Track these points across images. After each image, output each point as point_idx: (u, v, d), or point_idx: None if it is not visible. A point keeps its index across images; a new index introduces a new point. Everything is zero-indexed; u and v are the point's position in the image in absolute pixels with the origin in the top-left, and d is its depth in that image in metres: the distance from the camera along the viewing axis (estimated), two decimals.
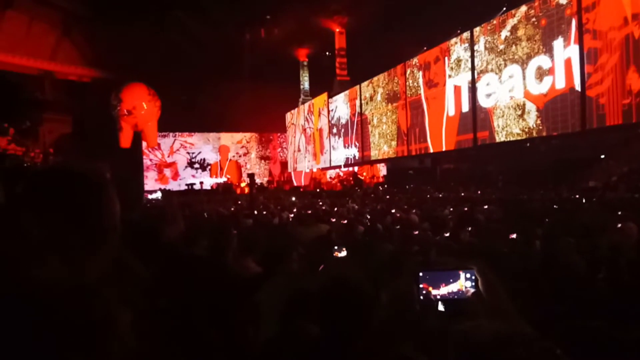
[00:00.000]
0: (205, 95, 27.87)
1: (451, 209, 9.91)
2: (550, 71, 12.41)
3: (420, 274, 1.29)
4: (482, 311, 1.14)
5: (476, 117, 15.27)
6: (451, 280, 1.27)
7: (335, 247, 3.98)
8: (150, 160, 29.00)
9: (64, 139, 22.83)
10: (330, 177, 26.53)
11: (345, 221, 7.50)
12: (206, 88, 27.62)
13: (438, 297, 1.27)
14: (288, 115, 31.88)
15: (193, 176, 29.52)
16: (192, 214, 9.05)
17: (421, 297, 1.27)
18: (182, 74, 25.64)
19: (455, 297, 1.27)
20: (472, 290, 1.25)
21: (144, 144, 21.89)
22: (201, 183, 28.27)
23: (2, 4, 20.30)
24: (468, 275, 1.27)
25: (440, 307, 1.27)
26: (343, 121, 24.50)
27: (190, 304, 2.11)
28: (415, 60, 18.45)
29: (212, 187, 27.50)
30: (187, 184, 27.72)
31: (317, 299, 1.55)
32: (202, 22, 22.38)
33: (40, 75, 22.67)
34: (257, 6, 22.25)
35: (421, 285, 1.28)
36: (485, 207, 10.14)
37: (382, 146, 20.68)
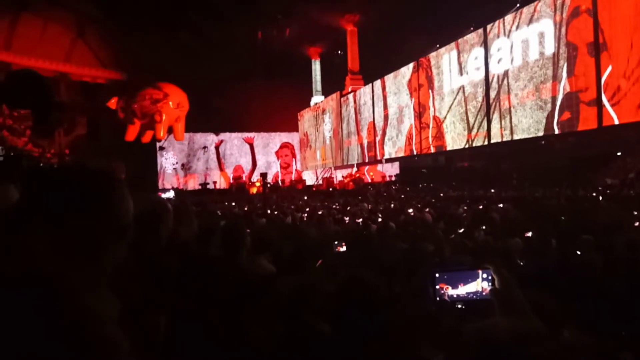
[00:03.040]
0: (216, 95, 28.03)
1: (465, 208, 9.83)
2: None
3: (437, 274, 1.27)
4: (499, 310, 1.12)
5: (490, 115, 15.15)
6: (469, 280, 1.25)
7: (336, 242, 3.98)
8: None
9: (79, 140, 23.13)
10: (343, 177, 26.50)
11: (360, 220, 7.49)
12: (218, 88, 27.78)
13: (455, 297, 1.25)
14: (300, 115, 31.92)
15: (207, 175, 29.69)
16: (206, 213, 9.09)
17: (438, 298, 1.26)
18: (194, 75, 25.80)
19: (474, 297, 1.25)
20: (490, 289, 1.23)
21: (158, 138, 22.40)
22: (214, 182, 28.44)
23: (17, 7, 20.62)
24: (485, 275, 1.25)
25: (458, 307, 1.25)
26: (363, 118, 24.47)
27: (203, 303, 2.11)
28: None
29: (232, 183, 27.67)
30: (200, 184, 27.90)
31: (331, 297, 1.54)
32: (215, 23, 22.49)
33: (55, 77, 22.98)
34: (269, 6, 22.30)
35: (438, 286, 1.27)
36: (500, 205, 10.04)
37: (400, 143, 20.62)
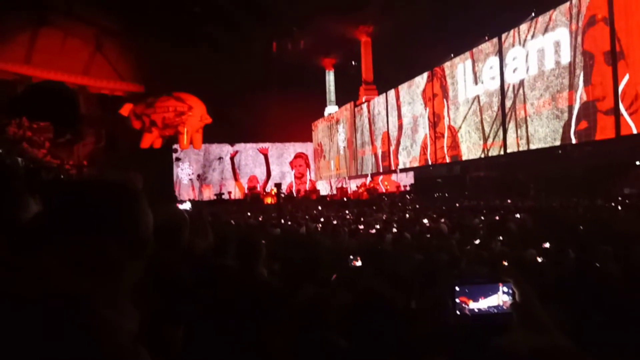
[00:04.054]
0: (232, 106, 28.33)
1: (482, 218, 9.73)
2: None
3: (457, 287, 1.25)
4: (521, 325, 1.11)
5: (506, 125, 15.04)
6: (490, 294, 1.23)
7: (351, 257, 3.95)
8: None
9: (97, 151, 23.49)
10: (357, 186, 26.45)
11: (374, 230, 7.47)
12: (233, 99, 28.08)
13: (476, 311, 1.23)
14: (314, 125, 32.03)
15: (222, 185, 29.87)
16: (221, 224, 9.14)
17: (458, 312, 1.24)
18: (210, 86, 26.14)
19: (494, 311, 1.22)
20: (511, 303, 1.21)
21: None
22: (229, 193, 28.59)
23: (37, 21, 21.11)
24: (505, 289, 1.23)
25: (477, 322, 1.23)
26: (377, 128, 24.47)
27: (220, 314, 2.12)
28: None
29: (247, 194, 27.86)
30: (215, 194, 28.06)
31: (347, 310, 1.53)
32: (231, 35, 22.79)
33: (74, 90, 23.43)
34: (284, 19, 22.52)
35: (458, 299, 1.24)
36: (517, 215, 9.91)
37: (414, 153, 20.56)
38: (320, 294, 2.06)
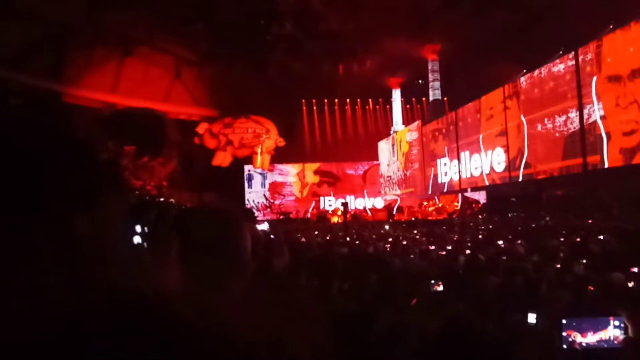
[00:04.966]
0: (298, 127, 29.14)
1: (561, 239, 9.24)
2: None
3: (564, 320, 1.21)
4: None
5: (585, 140, 14.27)
6: (599, 328, 1.18)
7: (432, 281, 3.88)
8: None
9: (175, 173, 24.83)
10: (423, 206, 25.95)
11: (444, 252, 7.32)
12: (299, 120, 28.90)
13: (585, 345, 1.19)
14: (380, 144, 31.91)
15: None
16: (292, 243, 9.31)
17: (565, 345, 1.20)
18: (279, 108, 27.05)
19: (604, 345, 1.18)
20: (623, 338, 1.16)
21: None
22: (297, 212, 29.02)
23: (122, 53, 22.86)
24: (617, 323, 1.17)
25: (588, 357, 1.19)
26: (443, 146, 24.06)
27: (293, 338, 2.17)
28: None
29: (313, 212, 28.27)
30: (283, 213, 28.58)
31: (431, 339, 1.51)
32: (300, 59, 23.47)
33: (161, 115, 25.10)
34: (351, 41, 22.89)
35: (564, 333, 1.21)
36: (600, 237, 9.32)
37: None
38: (400, 321, 2.06)
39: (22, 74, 18.49)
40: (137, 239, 1.74)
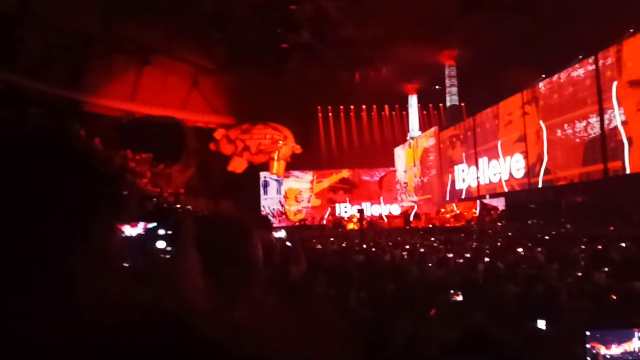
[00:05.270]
0: (314, 134, 29.25)
1: (582, 247, 9.06)
2: None
3: (588, 332, 1.19)
4: None
5: (606, 146, 14.02)
6: (624, 340, 1.16)
7: (452, 291, 3.81)
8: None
9: (191, 181, 25.07)
10: (440, 212, 25.74)
11: (462, 260, 7.23)
12: (315, 127, 29.01)
13: (609, 357, 1.16)
14: (397, 150, 31.79)
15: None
16: (309, 250, 9.29)
17: (588, 358, 1.17)
18: (295, 115, 27.18)
19: (629, 358, 1.15)
20: None
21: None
22: (312, 218, 29.03)
23: (140, 62, 23.22)
24: None
25: None
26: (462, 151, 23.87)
27: (312, 347, 2.15)
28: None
29: (328, 219, 28.26)
30: (298, 220, 28.63)
31: (451, 350, 1.49)
32: (316, 66, 23.55)
33: (179, 122, 25.41)
34: (367, 48, 22.90)
35: (588, 345, 1.18)
36: (622, 244, 9.11)
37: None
38: (419, 331, 2.02)
39: (42, 82, 18.88)
40: (161, 244, 1.76)
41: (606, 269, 5.57)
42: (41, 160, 0.51)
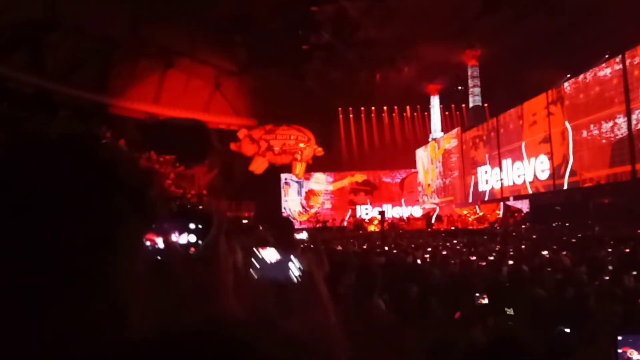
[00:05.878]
0: (335, 136, 29.26)
1: (609, 250, 8.85)
2: None
3: (620, 337, 1.17)
4: None
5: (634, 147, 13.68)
6: None
7: (477, 294, 3.75)
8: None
9: (214, 182, 25.32)
10: (463, 215, 25.42)
11: (485, 263, 7.14)
12: (336, 129, 29.01)
13: None
14: (418, 151, 31.55)
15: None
16: (330, 252, 9.27)
17: None
18: (316, 117, 27.22)
19: None
20: None
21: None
22: (333, 220, 28.98)
23: (164, 65, 23.58)
24: None
25: None
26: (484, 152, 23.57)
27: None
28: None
29: (350, 221, 28.19)
30: (319, 221, 28.59)
31: (477, 355, 1.47)
32: (337, 67, 23.57)
33: (204, 124, 25.73)
34: (389, 48, 22.80)
35: (620, 350, 1.16)
36: None
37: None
38: (444, 335, 2.01)
39: (71, 86, 19.34)
40: (192, 237, 1.79)
41: (635, 273, 5.44)
42: (68, 170, 0.51)
